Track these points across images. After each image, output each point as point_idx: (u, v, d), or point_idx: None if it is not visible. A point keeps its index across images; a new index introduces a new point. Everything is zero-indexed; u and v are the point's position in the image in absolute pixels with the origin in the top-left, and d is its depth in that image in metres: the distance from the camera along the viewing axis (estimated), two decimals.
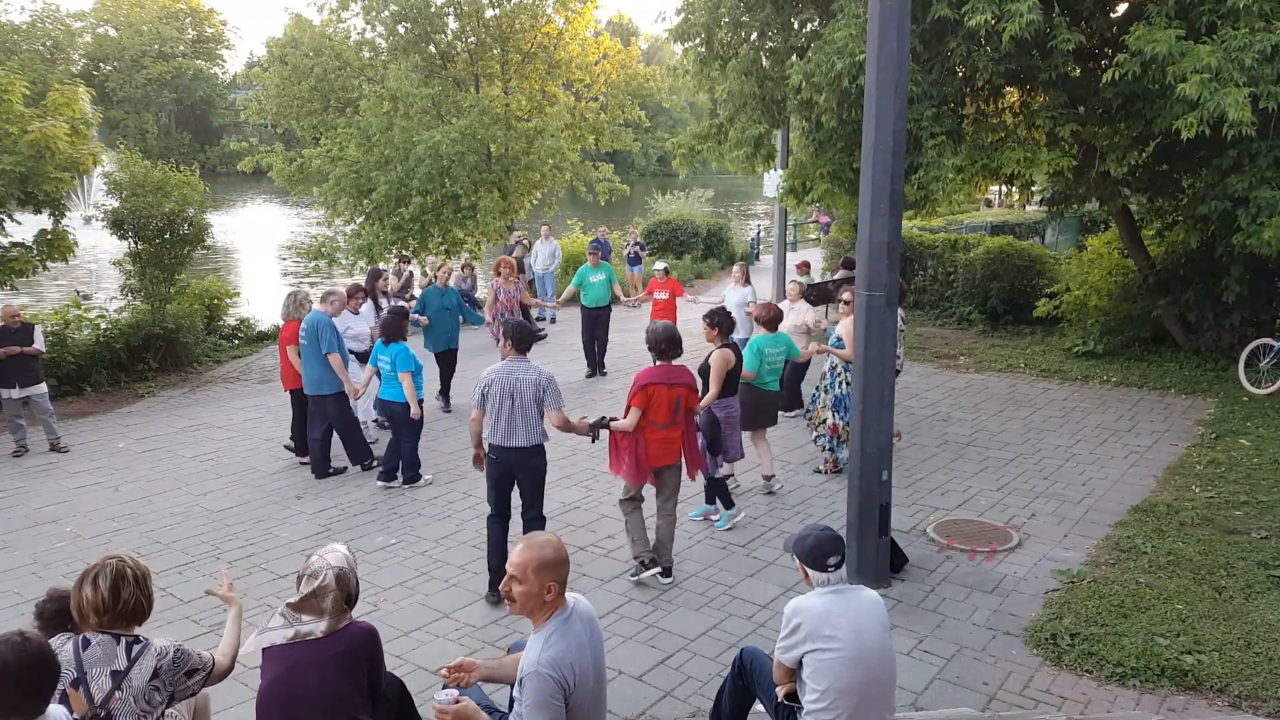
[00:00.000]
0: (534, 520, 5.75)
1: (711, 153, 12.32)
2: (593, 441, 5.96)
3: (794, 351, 7.71)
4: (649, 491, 6.07)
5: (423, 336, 10.46)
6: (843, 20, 9.21)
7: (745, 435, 7.28)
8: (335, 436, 8.28)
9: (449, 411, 10.38)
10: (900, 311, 8.40)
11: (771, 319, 7.47)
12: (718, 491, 6.93)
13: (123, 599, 2.95)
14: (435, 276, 10.55)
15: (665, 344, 5.80)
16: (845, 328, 7.73)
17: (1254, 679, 4.66)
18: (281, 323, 8.73)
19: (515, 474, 5.69)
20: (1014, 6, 7.95)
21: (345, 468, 8.28)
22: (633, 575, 5.98)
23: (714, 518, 6.97)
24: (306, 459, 8.46)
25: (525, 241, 17.89)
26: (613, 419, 5.80)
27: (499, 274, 11.40)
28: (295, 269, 24.08)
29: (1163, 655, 4.85)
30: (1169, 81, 7.86)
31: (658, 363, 5.81)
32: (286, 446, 8.87)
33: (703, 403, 6.43)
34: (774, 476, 7.61)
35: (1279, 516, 6.78)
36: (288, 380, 8.50)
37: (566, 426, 5.63)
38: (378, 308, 9.77)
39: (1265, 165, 8.40)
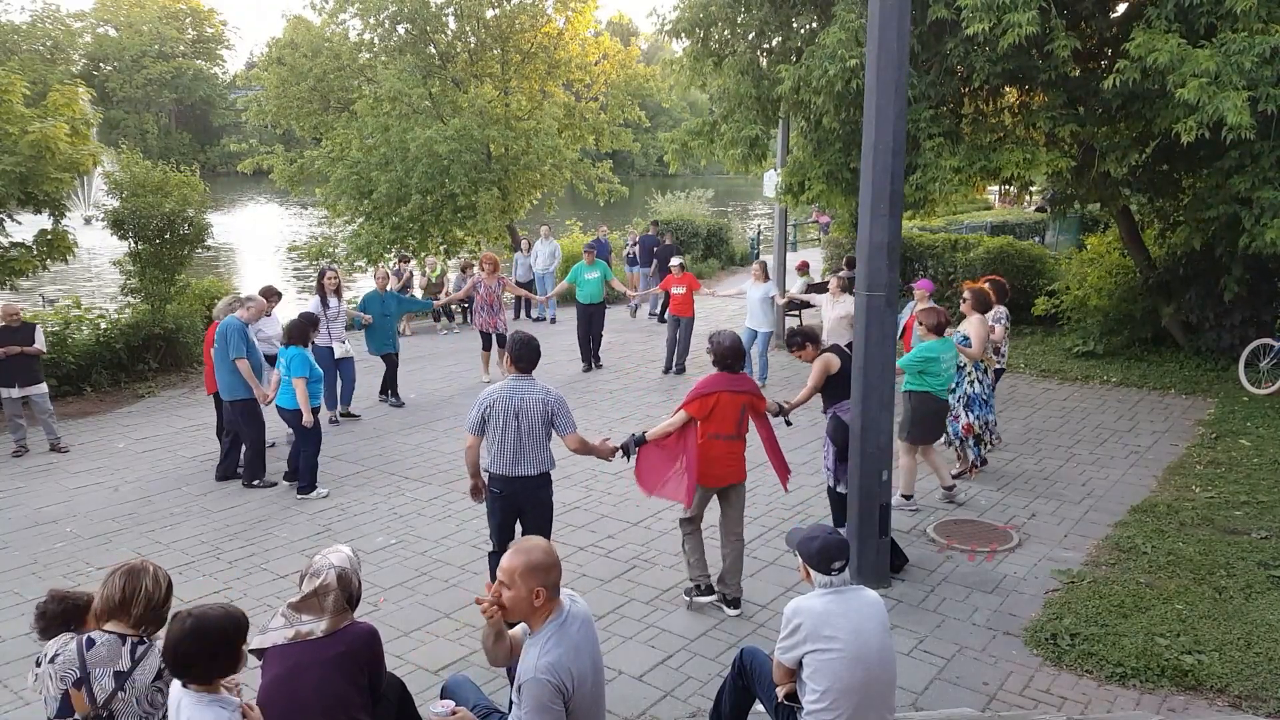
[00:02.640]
0: None
1: (703, 150, 12.36)
2: (627, 459, 5.54)
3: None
4: (710, 513, 5.61)
5: (365, 341, 10.73)
6: (834, 26, 9.22)
7: (902, 447, 6.96)
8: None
9: (402, 405, 10.68)
10: (1003, 309, 8.45)
11: (939, 324, 6.99)
12: (835, 507, 6.40)
13: (170, 601, 3.03)
14: (376, 281, 10.92)
15: (731, 357, 5.42)
16: (972, 326, 7.61)
17: (1254, 679, 4.66)
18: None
19: (521, 508, 5.16)
20: (1013, 17, 7.96)
21: (276, 482, 8.04)
22: (687, 597, 5.63)
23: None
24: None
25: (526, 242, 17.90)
26: (645, 433, 5.50)
27: (482, 268, 11.53)
28: (297, 269, 24.06)
29: (1163, 655, 4.86)
30: (1169, 88, 7.87)
31: (719, 372, 5.44)
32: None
33: (796, 400, 6.25)
34: (954, 486, 7.34)
35: (1279, 516, 6.78)
36: (210, 383, 8.39)
37: (586, 449, 5.19)
38: (325, 305, 9.77)
39: (1267, 165, 8.39)
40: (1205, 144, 8.47)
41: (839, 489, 6.23)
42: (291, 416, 7.64)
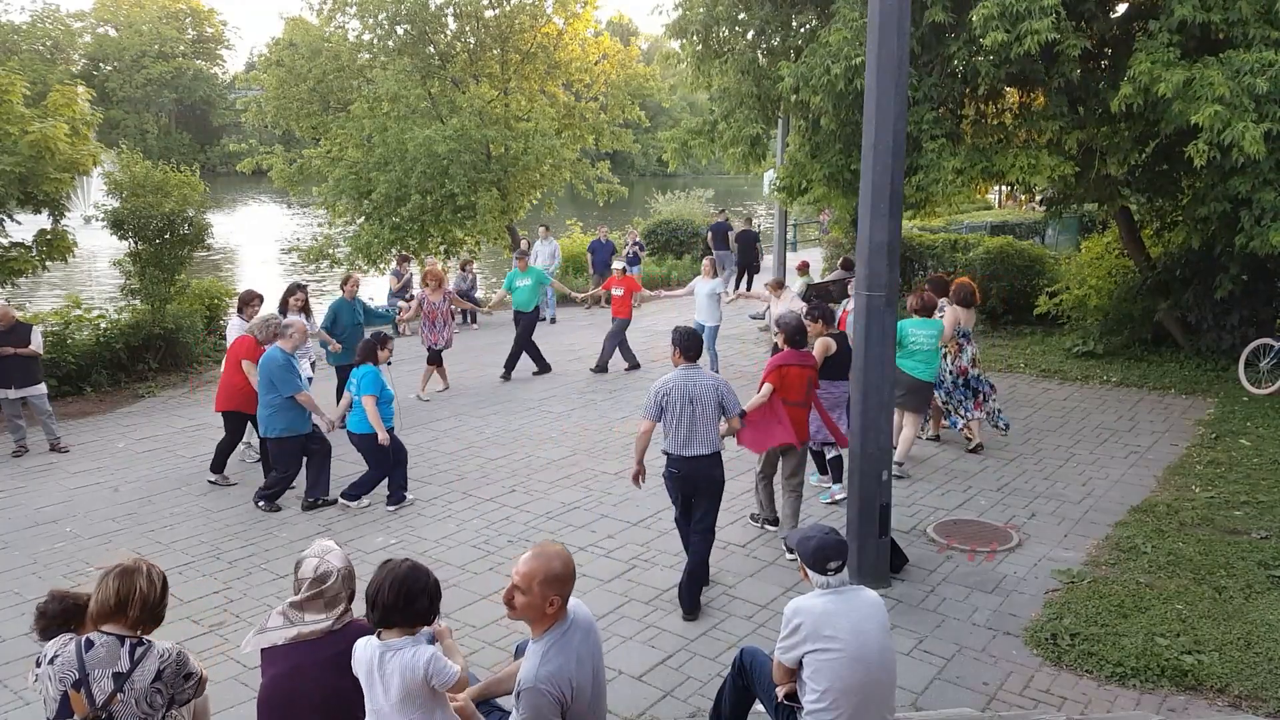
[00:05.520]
0: (705, 532, 5.61)
1: (703, 149, 12.37)
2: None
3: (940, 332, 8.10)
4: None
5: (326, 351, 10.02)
6: (838, 23, 9.21)
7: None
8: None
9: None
10: (968, 313, 8.64)
11: (925, 306, 7.87)
12: (817, 462, 7.54)
13: (166, 598, 3.02)
14: (344, 289, 10.13)
15: (797, 334, 6.42)
16: (946, 314, 8.30)
17: (1254, 679, 4.66)
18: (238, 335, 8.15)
19: (695, 485, 5.55)
20: (1028, 25, 7.95)
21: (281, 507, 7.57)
22: (754, 521, 6.80)
23: (826, 486, 7.51)
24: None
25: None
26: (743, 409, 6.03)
27: (425, 284, 11.10)
28: (292, 269, 24.05)
29: (1163, 655, 4.86)
30: (1175, 112, 7.90)
31: (786, 348, 6.39)
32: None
33: None
34: (903, 464, 7.85)
35: (1279, 516, 6.78)
36: (222, 400, 7.95)
37: (732, 432, 5.80)
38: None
39: (1267, 168, 8.36)
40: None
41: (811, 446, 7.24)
42: (365, 441, 7.28)
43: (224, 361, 7.98)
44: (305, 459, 7.53)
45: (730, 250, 19.02)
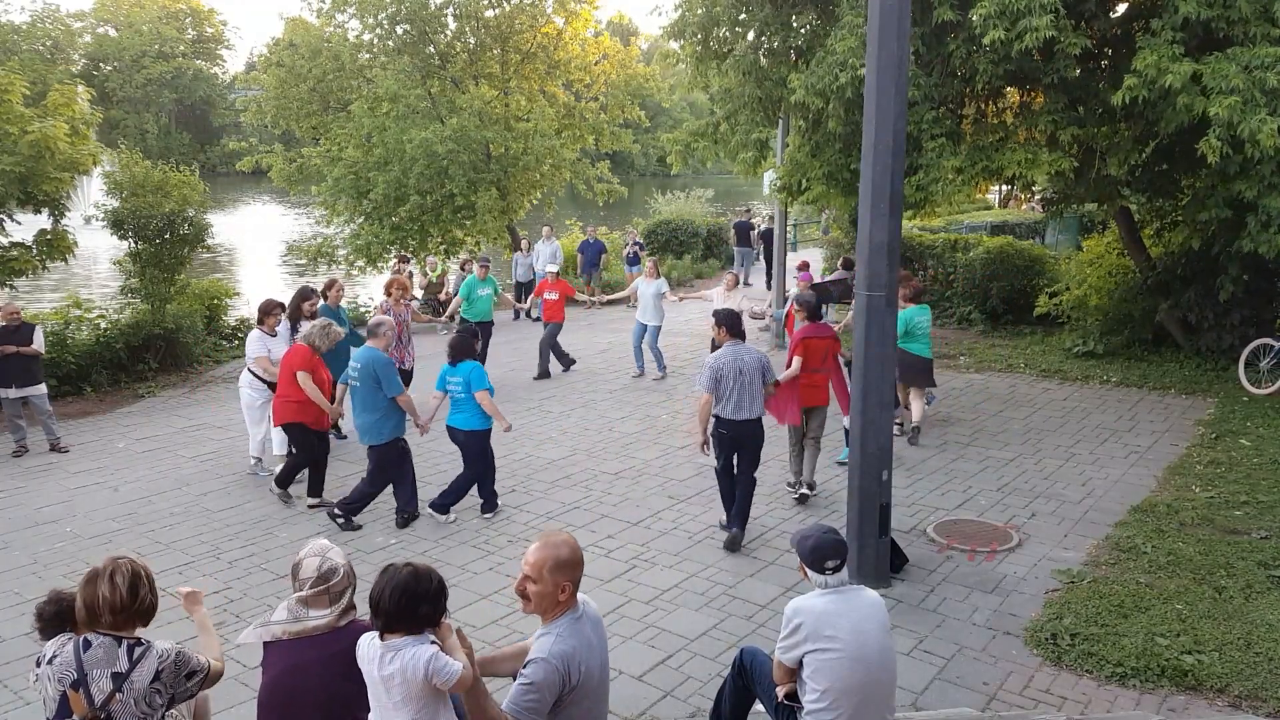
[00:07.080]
0: (748, 480, 6.53)
1: (707, 151, 12.37)
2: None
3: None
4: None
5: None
6: (844, 30, 9.19)
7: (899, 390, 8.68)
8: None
9: (344, 438, 9.08)
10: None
11: (916, 294, 8.89)
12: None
13: (139, 597, 2.95)
14: (326, 295, 9.17)
15: (813, 310, 7.46)
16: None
17: (1254, 679, 4.67)
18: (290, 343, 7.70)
19: (743, 442, 6.42)
20: (1029, 22, 7.95)
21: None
22: (790, 488, 7.53)
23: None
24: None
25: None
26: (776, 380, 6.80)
27: (389, 294, 9.94)
28: (295, 270, 24.04)
29: (1163, 655, 4.86)
30: (1179, 106, 7.89)
31: (807, 323, 7.34)
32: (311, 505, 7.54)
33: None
34: (919, 429, 8.85)
35: (1279, 516, 6.78)
36: (283, 413, 7.36)
37: (769, 394, 6.62)
38: (295, 330, 8.18)
39: (1270, 170, 8.32)
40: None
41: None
42: (467, 438, 7.00)
43: (278, 375, 7.47)
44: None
45: (753, 247, 19.35)
